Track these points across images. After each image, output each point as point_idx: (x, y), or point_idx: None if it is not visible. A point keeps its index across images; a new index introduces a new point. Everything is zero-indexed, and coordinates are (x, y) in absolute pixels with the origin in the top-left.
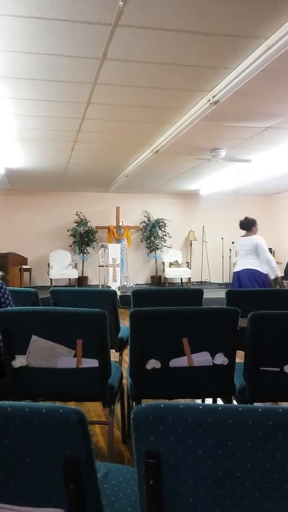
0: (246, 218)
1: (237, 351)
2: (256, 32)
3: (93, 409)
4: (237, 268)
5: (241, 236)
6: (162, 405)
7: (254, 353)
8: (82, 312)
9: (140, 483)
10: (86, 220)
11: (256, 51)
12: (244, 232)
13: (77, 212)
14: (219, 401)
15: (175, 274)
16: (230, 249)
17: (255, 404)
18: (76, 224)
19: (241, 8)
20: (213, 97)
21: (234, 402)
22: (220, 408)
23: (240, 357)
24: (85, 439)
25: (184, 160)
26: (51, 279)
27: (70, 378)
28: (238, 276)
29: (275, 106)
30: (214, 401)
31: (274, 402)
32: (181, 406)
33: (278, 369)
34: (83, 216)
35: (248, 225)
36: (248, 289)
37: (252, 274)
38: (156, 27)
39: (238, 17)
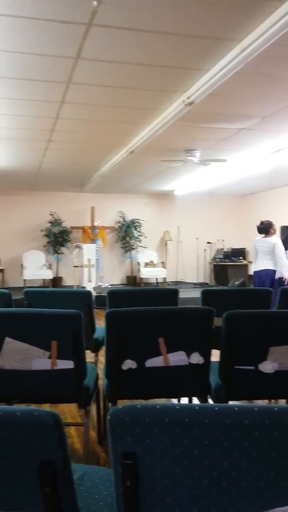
0: (262, 223)
1: (213, 350)
2: (231, 34)
3: (68, 411)
4: (257, 268)
5: (260, 238)
6: (138, 406)
7: (229, 352)
8: (56, 313)
9: (117, 484)
10: (60, 220)
11: (230, 53)
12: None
13: (51, 212)
14: (195, 400)
15: (151, 274)
16: (205, 249)
17: (230, 402)
18: (50, 224)
19: (215, 10)
20: (188, 98)
21: (210, 401)
22: (197, 407)
23: (215, 356)
24: (60, 442)
25: (159, 161)
26: (24, 280)
27: (45, 380)
28: (259, 275)
29: (249, 108)
30: (190, 400)
31: (249, 401)
32: (157, 407)
33: (253, 368)
34: (58, 216)
35: (265, 229)
36: (223, 288)
37: (270, 275)
38: (131, 28)
39: (212, 19)
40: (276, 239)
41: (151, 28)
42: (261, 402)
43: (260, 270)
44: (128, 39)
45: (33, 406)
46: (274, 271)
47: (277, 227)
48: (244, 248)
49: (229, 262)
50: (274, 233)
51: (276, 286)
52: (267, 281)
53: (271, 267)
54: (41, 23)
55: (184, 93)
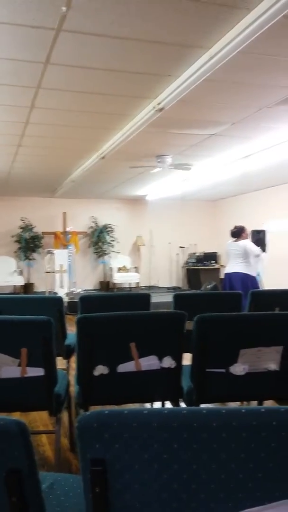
0: (235, 227)
1: (185, 354)
2: (199, 42)
3: (39, 418)
4: (228, 270)
5: (231, 241)
6: (106, 412)
7: (201, 355)
8: (26, 320)
9: (86, 491)
10: (31, 225)
11: (199, 60)
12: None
13: (22, 217)
14: (168, 404)
15: (124, 279)
16: (177, 253)
17: (203, 405)
18: (21, 229)
19: (184, 17)
20: (158, 104)
21: (182, 405)
22: (165, 411)
23: (187, 359)
24: (27, 451)
25: (131, 166)
26: None
27: (14, 388)
28: (230, 277)
29: (219, 114)
30: (163, 404)
31: (221, 403)
32: (125, 412)
33: (224, 370)
34: (29, 221)
35: (238, 233)
36: (195, 292)
37: (241, 277)
38: (100, 34)
39: (181, 26)
40: (246, 241)
41: (121, 34)
42: (233, 404)
43: (231, 273)
44: (98, 44)
45: (2, 415)
46: (244, 274)
47: (248, 231)
48: (216, 252)
49: (202, 266)
50: (246, 237)
51: (249, 288)
52: (236, 283)
53: (241, 270)
54: (10, 27)
55: (155, 99)
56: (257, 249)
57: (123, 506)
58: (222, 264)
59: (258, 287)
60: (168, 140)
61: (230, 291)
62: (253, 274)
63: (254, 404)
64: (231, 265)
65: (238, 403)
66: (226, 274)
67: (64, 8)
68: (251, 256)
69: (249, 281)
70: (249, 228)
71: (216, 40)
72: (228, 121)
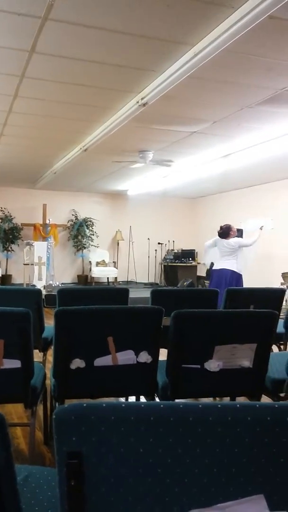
0: (221, 228)
1: (161, 349)
2: (184, 38)
3: (14, 411)
4: (216, 267)
5: (220, 239)
6: (84, 405)
7: (177, 351)
8: (4, 311)
9: (61, 484)
10: (11, 216)
11: (183, 56)
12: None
13: (1, 207)
14: (142, 399)
15: (102, 273)
16: (155, 250)
17: (177, 400)
18: (0, 220)
19: (170, 13)
20: (142, 99)
21: (157, 399)
22: (143, 405)
23: (163, 355)
24: (4, 443)
25: (113, 160)
26: None
27: None
28: (218, 274)
29: (201, 111)
30: (137, 399)
31: (195, 399)
32: (103, 405)
33: (199, 366)
34: (8, 212)
35: (225, 233)
36: (172, 288)
37: (228, 274)
38: (86, 24)
39: (167, 21)
40: (235, 239)
41: (107, 26)
42: (206, 400)
43: (218, 269)
44: (84, 35)
45: None
46: (232, 271)
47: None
48: (194, 250)
49: (179, 263)
50: (234, 235)
51: (233, 286)
52: (222, 279)
53: (229, 267)
54: None
55: (138, 93)
56: (248, 240)
57: (98, 500)
58: (199, 262)
59: (241, 285)
60: (150, 136)
61: (211, 288)
62: (240, 271)
63: (226, 400)
64: (219, 262)
65: (211, 398)
66: (214, 271)
67: None
68: (240, 251)
69: (234, 278)
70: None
71: (201, 37)
72: (209, 119)
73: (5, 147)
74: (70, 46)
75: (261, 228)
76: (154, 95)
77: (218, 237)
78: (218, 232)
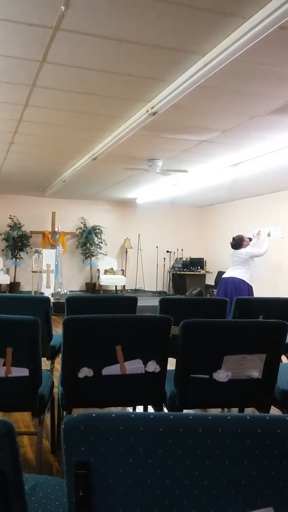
0: (233, 239)
1: (169, 359)
2: (195, 48)
3: (21, 419)
4: (225, 275)
5: (233, 249)
6: (93, 415)
7: (185, 360)
8: (13, 319)
9: (70, 494)
10: (20, 224)
11: (193, 66)
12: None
13: (10, 215)
14: (150, 409)
15: (110, 281)
16: (164, 258)
17: (185, 411)
18: (9, 228)
19: (181, 22)
20: (152, 108)
21: (165, 409)
22: (152, 416)
23: (171, 364)
24: (12, 452)
25: (122, 168)
26: None
27: None
28: (225, 282)
29: (211, 121)
30: (145, 408)
31: (203, 409)
32: (113, 415)
33: (208, 377)
34: (17, 220)
35: (238, 245)
36: (181, 297)
37: (236, 282)
38: (97, 34)
39: (177, 31)
40: (246, 250)
41: (117, 36)
42: (215, 411)
43: (227, 277)
44: (94, 45)
45: None
46: (241, 280)
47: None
48: (202, 258)
49: (188, 271)
50: (247, 245)
51: (242, 295)
52: (228, 287)
53: (238, 276)
54: (7, 24)
55: (148, 102)
56: (259, 250)
57: (106, 510)
58: (208, 270)
59: (252, 296)
60: (160, 144)
61: (220, 297)
62: (251, 282)
63: (235, 411)
64: (229, 271)
65: (219, 409)
66: (223, 279)
67: (62, 7)
68: (252, 262)
69: (244, 288)
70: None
71: (211, 47)
72: (219, 128)
73: (15, 155)
74: (81, 55)
75: (268, 235)
76: (164, 104)
77: (231, 248)
78: (230, 243)
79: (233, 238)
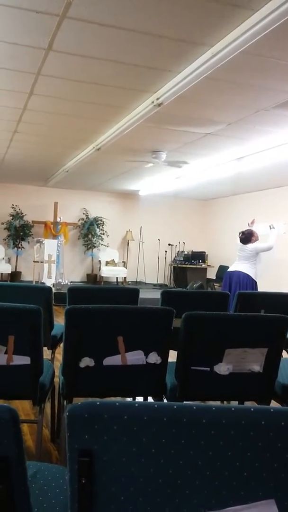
0: (243, 233)
1: (170, 351)
2: (202, 39)
3: (21, 408)
4: (230, 269)
5: (241, 243)
6: (98, 403)
7: (186, 352)
8: (16, 308)
9: (72, 482)
10: (22, 213)
11: (201, 57)
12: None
13: (13, 205)
14: (150, 400)
15: (111, 273)
16: (166, 251)
17: (185, 403)
18: (11, 217)
19: (189, 13)
20: (157, 99)
21: (165, 401)
22: (156, 405)
23: (172, 356)
24: (16, 438)
25: (126, 160)
26: None
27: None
28: (230, 275)
29: (216, 113)
30: (145, 399)
31: (203, 401)
32: (117, 404)
33: (209, 369)
34: (19, 209)
35: (247, 239)
36: (182, 290)
37: (241, 277)
38: (104, 23)
39: (185, 21)
40: (253, 245)
41: (124, 26)
42: (215, 404)
43: (233, 271)
44: (101, 34)
45: None
46: (245, 275)
47: (236, 233)
48: (204, 252)
49: (189, 264)
50: (256, 240)
51: (247, 290)
52: (233, 280)
53: (244, 270)
54: (14, 11)
55: (154, 93)
56: (265, 245)
57: (108, 498)
58: (209, 264)
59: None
60: (164, 136)
61: (223, 291)
62: (255, 277)
63: (235, 404)
64: (234, 265)
65: (219, 402)
66: (227, 273)
67: None
68: (258, 257)
69: (248, 283)
70: (238, 230)
71: (219, 38)
72: (224, 121)
73: (19, 144)
74: (87, 44)
75: (272, 227)
76: (169, 95)
77: (239, 242)
78: (239, 237)
79: (243, 232)
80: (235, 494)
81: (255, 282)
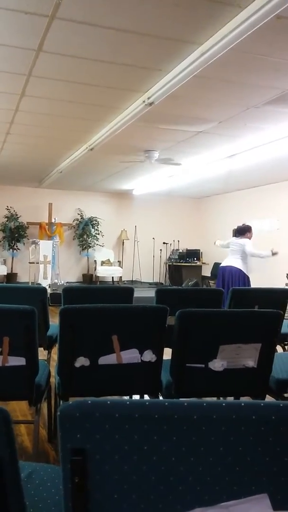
0: (243, 224)
1: (165, 349)
2: (191, 37)
3: (18, 408)
4: (223, 264)
5: (234, 237)
6: (89, 402)
7: (181, 350)
8: (9, 309)
9: (65, 481)
10: (17, 215)
11: (190, 56)
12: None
13: (7, 206)
14: (146, 398)
15: (107, 272)
16: (160, 249)
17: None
18: (6, 219)
19: (177, 11)
20: (148, 98)
21: (161, 398)
22: (147, 403)
23: (167, 354)
24: (8, 438)
25: (119, 159)
26: None
27: None
28: (223, 271)
29: (207, 111)
30: (141, 397)
31: (199, 398)
32: (108, 402)
33: (203, 366)
34: (14, 211)
35: (243, 231)
36: (177, 288)
37: (234, 272)
38: (93, 23)
39: (174, 20)
40: (246, 240)
41: (114, 26)
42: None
43: (225, 266)
44: (91, 34)
45: None
46: (238, 270)
47: (229, 230)
48: (199, 249)
49: (184, 262)
50: (250, 237)
51: (239, 285)
52: (226, 274)
53: (236, 265)
54: (3, 12)
55: (145, 93)
56: (254, 251)
57: (101, 497)
58: (204, 262)
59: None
60: (156, 135)
61: (216, 287)
62: (247, 272)
63: (230, 400)
64: (227, 259)
65: (215, 398)
66: (220, 268)
67: None
68: (246, 253)
69: (240, 278)
70: (231, 227)
71: (208, 37)
72: (215, 119)
73: (12, 145)
74: (77, 45)
75: (273, 254)
76: (160, 94)
77: (233, 236)
78: (234, 229)
79: (243, 224)
80: (228, 490)
81: (248, 277)
